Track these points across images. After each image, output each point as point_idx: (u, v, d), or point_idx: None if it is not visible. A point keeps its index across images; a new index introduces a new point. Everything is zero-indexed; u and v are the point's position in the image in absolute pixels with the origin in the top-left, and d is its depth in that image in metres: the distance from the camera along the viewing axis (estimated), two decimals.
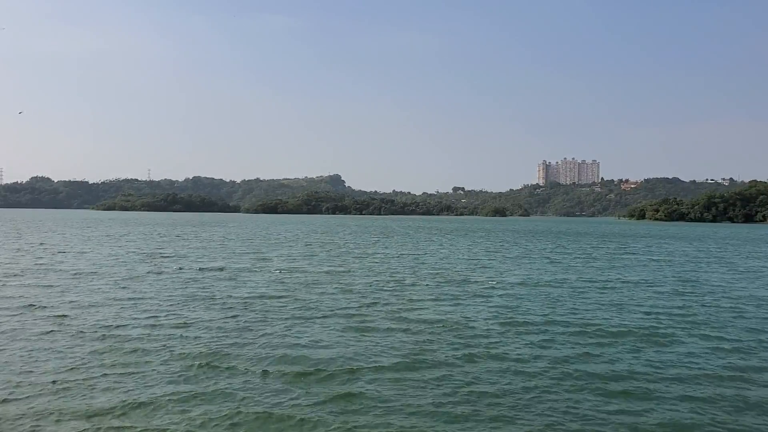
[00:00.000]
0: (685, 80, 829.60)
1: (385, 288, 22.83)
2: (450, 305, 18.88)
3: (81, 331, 13.96)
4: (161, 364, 11.46)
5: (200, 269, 28.05)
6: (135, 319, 15.61)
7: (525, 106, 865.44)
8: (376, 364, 11.77)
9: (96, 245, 43.83)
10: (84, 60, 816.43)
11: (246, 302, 18.58)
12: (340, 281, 24.61)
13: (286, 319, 16.12)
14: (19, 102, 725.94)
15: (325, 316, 16.54)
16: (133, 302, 18.16)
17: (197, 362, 11.55)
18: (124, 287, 21.38)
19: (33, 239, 50.12)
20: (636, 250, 50.73)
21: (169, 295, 19.58)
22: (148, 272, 26.33)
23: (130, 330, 14.26)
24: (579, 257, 40.93)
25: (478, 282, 25.26)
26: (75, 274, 25.31)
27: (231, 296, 19.75)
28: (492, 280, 25.76)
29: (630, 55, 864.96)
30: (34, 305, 17.22)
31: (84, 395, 9.66)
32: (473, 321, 16.29)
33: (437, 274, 28.22)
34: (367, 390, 10.23)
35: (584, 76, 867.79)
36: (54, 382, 10.24)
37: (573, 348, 13.42)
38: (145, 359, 11.76)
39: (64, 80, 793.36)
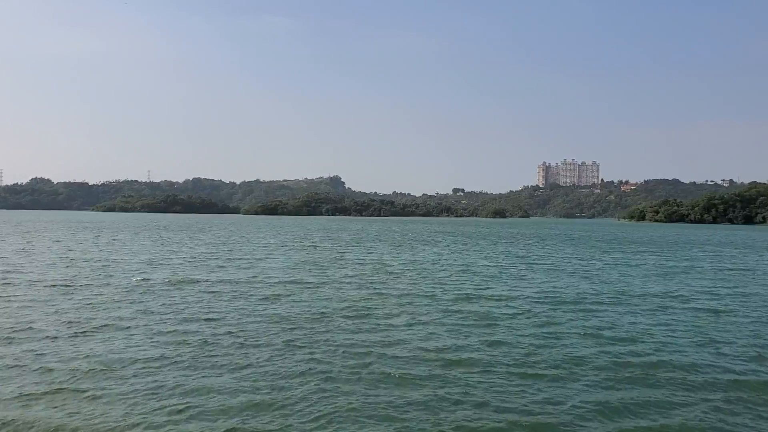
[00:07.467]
0: (684, 81, 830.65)
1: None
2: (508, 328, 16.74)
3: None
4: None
5: (176, 281, 27.17)
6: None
7: (525, 108, 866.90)
8: None
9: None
10: (84, 61, 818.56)
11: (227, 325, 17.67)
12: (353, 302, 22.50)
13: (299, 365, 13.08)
14: (19, 103, 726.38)
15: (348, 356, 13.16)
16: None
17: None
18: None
19: None
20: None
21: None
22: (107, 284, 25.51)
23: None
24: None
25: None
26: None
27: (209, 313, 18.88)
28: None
29: (630, 55, 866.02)
30: None
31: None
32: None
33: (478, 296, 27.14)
34: None
35: (584, 77, 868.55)
36: None
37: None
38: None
39: (64, 81, 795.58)
